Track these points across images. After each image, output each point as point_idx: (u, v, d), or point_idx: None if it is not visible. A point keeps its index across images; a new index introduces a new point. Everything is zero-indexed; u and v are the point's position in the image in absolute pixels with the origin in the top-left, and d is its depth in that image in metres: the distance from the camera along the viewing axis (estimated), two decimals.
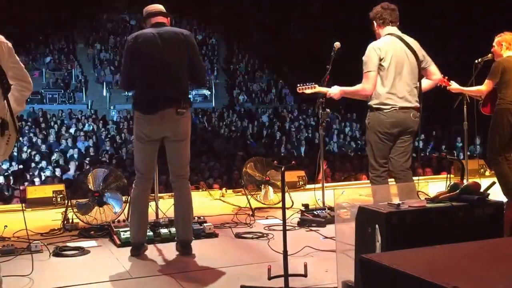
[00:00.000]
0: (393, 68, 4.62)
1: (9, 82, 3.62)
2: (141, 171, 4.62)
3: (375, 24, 4.83)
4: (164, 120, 4.46)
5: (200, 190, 8.16)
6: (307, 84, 5.38)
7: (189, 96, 4.71)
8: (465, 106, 6.70)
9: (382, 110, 4.63)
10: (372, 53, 4.64)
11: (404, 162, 4.71)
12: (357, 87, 4.75)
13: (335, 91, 4.97)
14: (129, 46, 4.56)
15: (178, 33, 4.56)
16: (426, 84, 4.88)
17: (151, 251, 4.72)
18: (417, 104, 4.71)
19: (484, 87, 5.73)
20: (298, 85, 5.49)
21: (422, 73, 4.80)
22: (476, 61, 6.16)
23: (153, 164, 4.67)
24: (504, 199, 5.17)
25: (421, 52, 4.77)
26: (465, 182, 3.20)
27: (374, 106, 4.67)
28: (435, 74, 4.88)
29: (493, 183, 3.08)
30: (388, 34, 4.74)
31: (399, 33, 4.77)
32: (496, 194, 4.52)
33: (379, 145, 4.68)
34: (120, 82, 4.65)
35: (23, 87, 3.78)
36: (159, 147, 4.65)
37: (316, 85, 5.33)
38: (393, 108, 4.60)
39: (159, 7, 4.70)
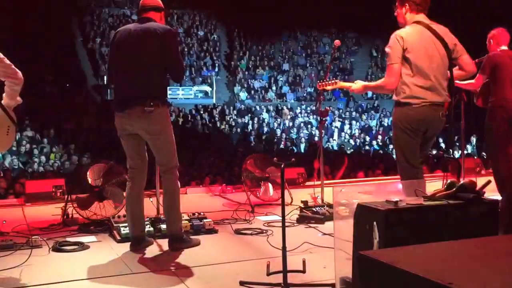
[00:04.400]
0: (421, 59, 4.27)
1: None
2: (129, 166, 4.71)
3: (406, 6, 4.41)
4: (133, 118, 4.48)
5: (201, 186, 8.19)
6: (329, 80, 5.21)
7: (165, 92, 4.66)
8: (462, 105, 6.71)
9: (410, 105, 4.27)
10: (395, 43, 4.29)
11: (420, 162, 4.43)
12: (380, 81, 4.49)
13: (357, 86, 4.69)
14: (110, 41, 4.68)
15: (153, 29, 4.51)
16: (457, 75, 4.55)
17: (151, 246, 4.75)
18: (448, 98, 4.38)
19: (475, 81, 5.69)
20: (319, 81, 5.37)
21: (454, 63, 4.46)
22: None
23: (139, 157, 4.69)
24: (499, 197, 5.19)
25: (451, 41, 4.41)
26: (461, 180, 3.22)
27: (401, 101, 4.32)
28: (468, 64, 4.50)
29: (489, 181, 3.11)
30: (415, 22, 4.38)
31: (427, 21, 4.40)
32: (492, 193, 4.54)
33: (409, 142, 4.34)
34: (106, 75, 4.77)
35: (12, 82, 4.07)
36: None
37: (338, 81, 5.13)
38: (423, 104, 4.26)
39: (152, 1, 4.66)
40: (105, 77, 21.03)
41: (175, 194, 4.66)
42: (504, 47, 5.74)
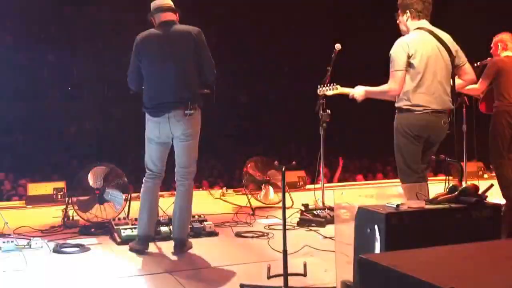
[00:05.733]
0: (425, 66, 4.23)
1: None
2: (150, 169, 4.69)
3: (408, 14, 4.37)
4: (172, 121, 4.48)
5: (201, 189, 8.19)
6: (328, 85, 5.12)
7: (200, 96, 4.66)
8: (464, 109, 6.70)
9: (413, 112, 4.24)
10: (399, 50, 4.25)
11: (424, 168, 4.41)
12: (383, 87, 4.37)
13: (359, 91, 4.55)
14: (136, 47, 4.58)
15: (185, 32, 4.53)
16: (457, 84, 4.46)
17: (151, 248, 4.73)
18: (451, 106, 4.35)
19: (479, 86, 5.69)
20: (319, 86, 5.33)
21: (455, 71, 4.41)
22: (475, 64, 6.12)
23: (163, 163, 4.71)
24: (501, 201, 5.18)
25: (454, 47, 4.37)
26: (463, 184, 3.21)
27: (404, 107, 4.28)
28: (468, 74, 4.47)
29: (491, 185, 3.10)
30: (418, 28, 4.34)
31: (430, 27, 4.36)
32: (494, 197, 4.53)
33: (411, 148, 4.30)
34: (128, 81, 4.67)
35: None
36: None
37: (338, 86, 4.99)
38: (425, 111, 4.23)
39: (168, 2, 4.65)
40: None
41: (191, 201, 4.71)
42: (509, 53, 5.74)
